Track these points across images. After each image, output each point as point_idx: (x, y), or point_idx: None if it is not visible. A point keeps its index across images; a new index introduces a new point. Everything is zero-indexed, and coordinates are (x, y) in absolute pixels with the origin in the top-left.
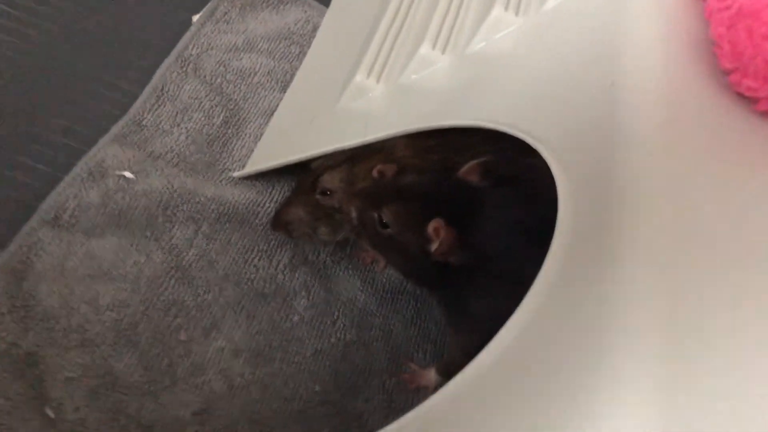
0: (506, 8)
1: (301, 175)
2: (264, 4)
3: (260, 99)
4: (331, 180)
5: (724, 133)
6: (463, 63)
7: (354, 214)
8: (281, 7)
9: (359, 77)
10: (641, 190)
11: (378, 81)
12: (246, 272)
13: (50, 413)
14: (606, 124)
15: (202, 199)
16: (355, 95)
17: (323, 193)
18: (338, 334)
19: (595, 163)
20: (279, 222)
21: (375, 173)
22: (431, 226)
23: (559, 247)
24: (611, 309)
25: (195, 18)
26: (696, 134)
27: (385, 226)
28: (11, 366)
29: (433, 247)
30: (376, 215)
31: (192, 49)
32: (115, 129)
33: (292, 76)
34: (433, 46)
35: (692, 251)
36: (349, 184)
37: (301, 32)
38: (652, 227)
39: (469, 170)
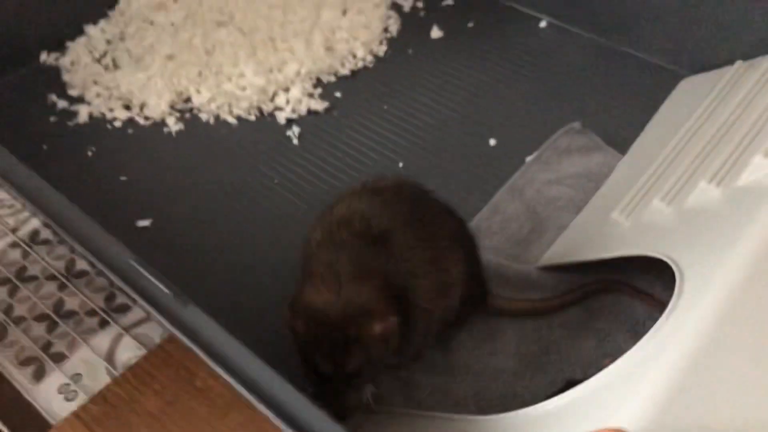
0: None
1: None
2: (576, 152)
3: (559, 218)
4: None
5: None
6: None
7: None
8: (588, 153)
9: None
10: None
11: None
12: None
13: None
14: None
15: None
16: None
17: None
18: None
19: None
20: None
21: None
22: None
23: None
24: None
25: (528, 159)
26: None
27: None
28: None
29: None
30: None
31: (520, 180)
32: None
33: (586, 203)
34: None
35: None
36: None
37: (599, 172)
38: None
39: None
